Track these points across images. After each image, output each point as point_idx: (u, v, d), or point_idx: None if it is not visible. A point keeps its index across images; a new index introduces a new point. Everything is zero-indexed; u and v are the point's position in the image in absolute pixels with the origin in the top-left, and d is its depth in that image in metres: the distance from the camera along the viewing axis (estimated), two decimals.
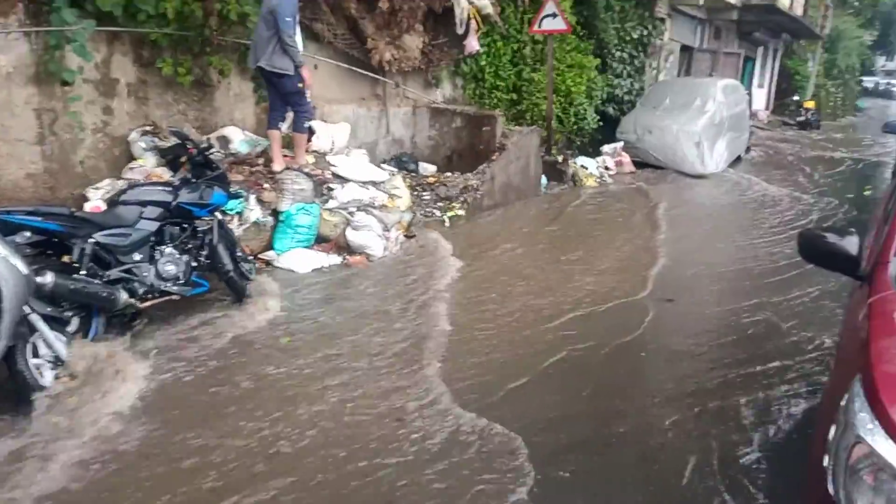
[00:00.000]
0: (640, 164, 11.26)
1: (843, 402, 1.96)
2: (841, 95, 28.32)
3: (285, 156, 6.29)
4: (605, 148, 11.21)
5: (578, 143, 11.34)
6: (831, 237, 2.62)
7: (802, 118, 21.03)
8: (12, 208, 3.66)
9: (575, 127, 10.96)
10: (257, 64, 5.83)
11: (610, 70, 12.28)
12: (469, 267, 5.88)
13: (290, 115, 6.37)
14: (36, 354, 3.31)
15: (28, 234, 3.50)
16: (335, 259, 5.85)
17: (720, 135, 11.60)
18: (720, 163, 11.59)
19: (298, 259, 5.67)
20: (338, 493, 2.84)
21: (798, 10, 20.20)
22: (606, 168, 10.67)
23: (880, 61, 50.12)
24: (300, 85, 5.88)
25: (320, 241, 6.01)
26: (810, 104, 21.74)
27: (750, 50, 21.06)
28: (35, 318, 3.29)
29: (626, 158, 11.10)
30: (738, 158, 12.80)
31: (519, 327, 4.64)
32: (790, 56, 25.06)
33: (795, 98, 23.18)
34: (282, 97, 6.03)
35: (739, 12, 17.41)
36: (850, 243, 2.56)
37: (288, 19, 5.57)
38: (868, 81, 42.04)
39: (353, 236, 6.00)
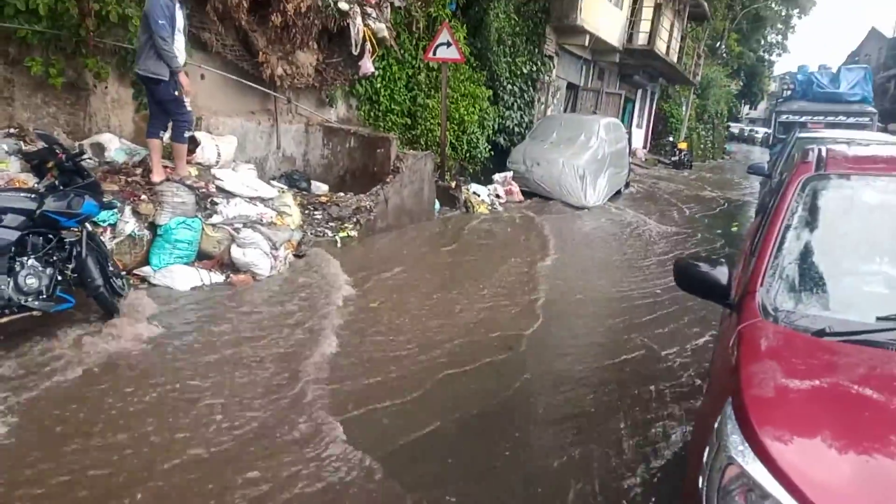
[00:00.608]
0: (528, 194, 11.64)
1: (716, 425, 2.05)
2: (711, 138, 30.74)
3: (165, 167, 5.96)
4: (497, 176, 11.51)
5: (471, 170, 11.58)
6: (704, 267, 2.76)
7: (676, 158, 22.60)
8: None
9: (468, 154, 11.18)
10: (138, 72, 5.55)
11: (501, 102, 12.66)
12: (359, 289, 5.78)
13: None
14: None
15: None
16: (218, 277, 5.58)
17: (602, 170, 12.20)
18: (601, 196, 12.17)
19: (177, 276, 5.37)
20: None
21: (673, 57, 21.82)
22: (497, 196, 10.94)
23: (745, 109, 55.10)
24: (176, 93, 5.57)
25: (202, 257, 5.73)
26: (683, 145, 23.44)
27: (630, 91, 22.46)
28: None
29: (515, 187, 11.43)
30: (618, 193, 13.52)
31: (405, 352, 4.59)
32: (666, 100, 26.96)
33: (670, 139, 24.95)
34: (158, 104, 5.70)
35: (621, 55, 18.57)
36: (721, 273, 2.71)
37: (161, 21, 5.29)
38: (734, 127, 46.19)
39: (238, 254, 5.75)
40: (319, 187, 8.21)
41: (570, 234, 9.44)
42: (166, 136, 5.99)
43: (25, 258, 3.94)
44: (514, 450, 3.48)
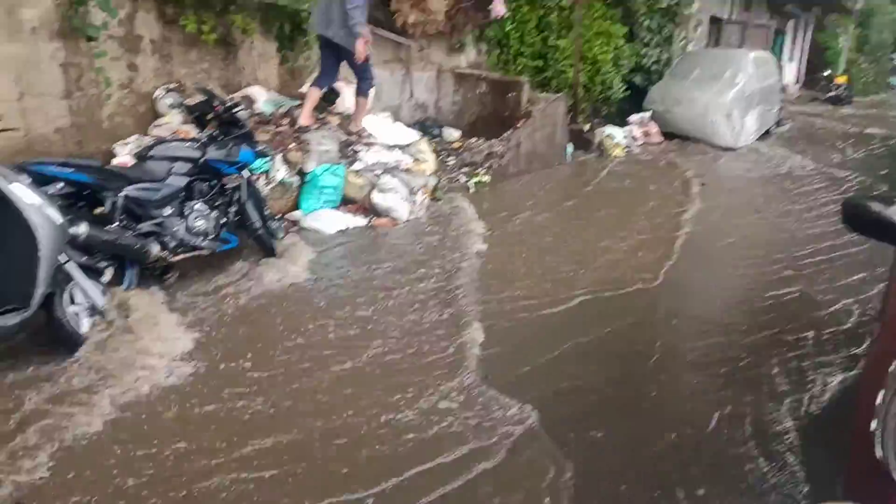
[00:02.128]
0: (667, 135, 11.08)
1: (891, 368, 1.92)
2: (873, 72, 27.61)
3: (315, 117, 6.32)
4: (633, 118, 11.03)
5: (605, 112, 11.18)
6: (876, 206, 2.54)
7: (833, 93, 20.53)
8: (45, 160, 3.65)
9: (602, 96, 10.79)
10: (324, 34, 6.03)
11: (638, 39, 12.03)
12: (494, 231, 5.83)
13: (341, 85, 6.61)
14: (73, 302, 3.33)
15: (61, 185, 3.50)
16: (361, 221, 5.83)
17: (750, 107, 11.37)
18: (749, 135, 11.38)
19: (325, 220, 5.65)
20: (358, 438, 2.88)
21: None
22: (634, 138, 10.51)
23: None
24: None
25: (346, 202, 5.99)
26: (842, 79, 21.22)
27: (781, 23, 20.55)
28: (71, 267, 3.30)
29: (653, 128, 10.93)
30: (768, 132, 12.56)
31: (545, 291, 4.60)
32: (822, 30, 24.42)
33: (827, 73, 22.63)
34: (336, 62, 6.22)
35: None
36: (895, 213, 2.49)
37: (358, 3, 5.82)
38: None
39: (379, 199, 5.96)
40: (451, 133, 8.27)
41: (714, 176, 8.92)
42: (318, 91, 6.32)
43: (193, 202, 4.31)
44: (660, 392, 3.42)
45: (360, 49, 5.97)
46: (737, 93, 11.05)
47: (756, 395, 3.39)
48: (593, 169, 8.75)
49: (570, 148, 9.12)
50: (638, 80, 12.10)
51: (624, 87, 11.14)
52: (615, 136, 10.11)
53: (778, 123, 13.32)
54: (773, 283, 4.95)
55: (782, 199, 7.74)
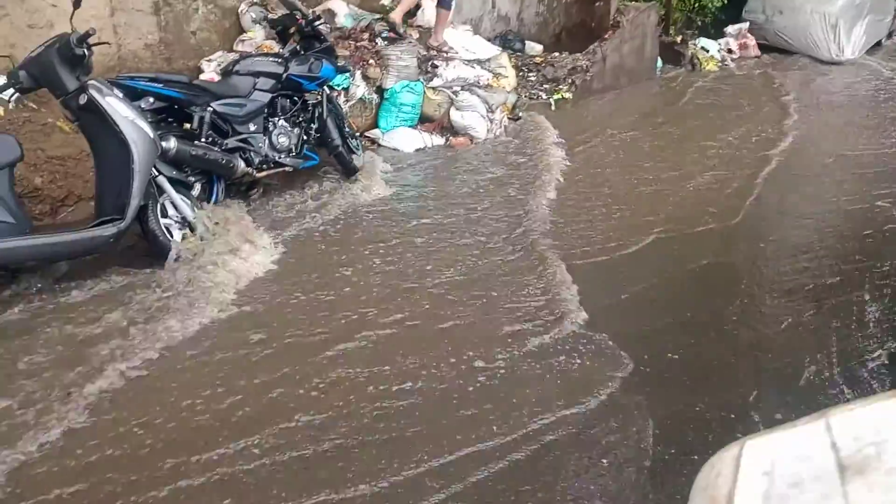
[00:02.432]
0: (766, 48, 10.27)
1: None
2: None
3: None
4: (729, 29, 10.26)
5: (699, 23, 10.44)
6: None
7: None
8: (136, 75, 3.78)
9: (696, 5, 10.07)
10: None
11: None
12: (576, 152, 5.67)
13: None
14: (164, 215, 3.50)
15: (151, 99, 3.61)
16: (438, 140, 5.79)
17: (860, 17, 10.33)
18: (857, 48, 10.40)
19: (403, 138, 5.64)
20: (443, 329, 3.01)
21: None
22: (729, 51, 9.80)
23: None
24: None
25: (424, 120, 5.93)
26: None
27: None
28: (162, 181, 3.46)
29: (751, 41, 10.15)
30: (879, 44, 11.44)
31: (629, 209, 4.50)
32: None
33: None
34: None
35: None
36: None
37: None
38: None
39: (456, 117, 5.88)
40: (534, 47, 7.96)
41: (816, 93, 8.29)
42: None
43: (276, 118, 4.38)
44: (742, 314, 3.34)
45: None
46: (845, 1, 10.06)
47: (844, 322, 3.26)
48: (684, 85, 8.27)
49: (659, 62, 8.63)
50: None
51: None
52: (709, 49, 9.47)
53: (889, 35, 12.10)
54: (874, 211, 4.64)
55: (890, 118, 7.13)
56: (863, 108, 7.85)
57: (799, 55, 10.08)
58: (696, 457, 2.30)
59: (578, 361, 2.89)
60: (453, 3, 6.24)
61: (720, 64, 9.32)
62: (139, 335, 2.91)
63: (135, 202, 3.18)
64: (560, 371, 2.84)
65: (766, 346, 3.12)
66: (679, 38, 9.15)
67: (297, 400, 2.60)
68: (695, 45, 9.41)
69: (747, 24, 10.39)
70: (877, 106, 7.87)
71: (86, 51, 3.15)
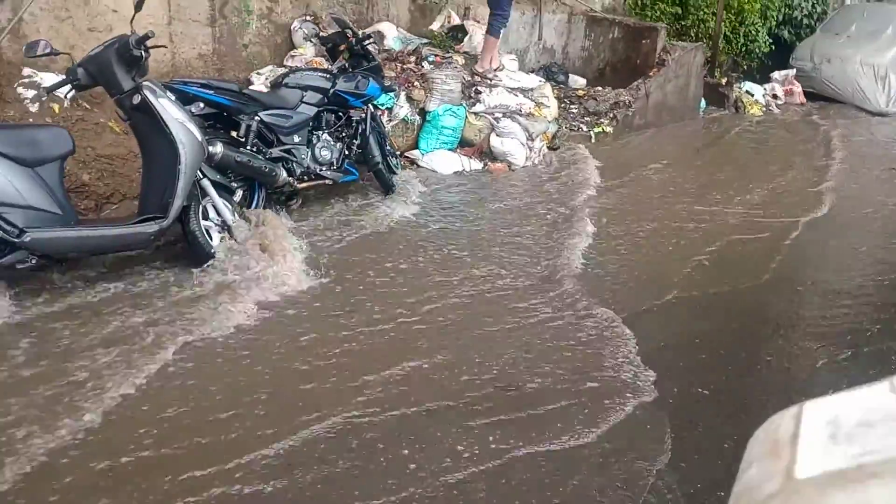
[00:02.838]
0: (812, 96, 10.19)
1: None
2: None
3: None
4: (776, 75, 10.20)
5: (745, 66, 10.41)
6: None
7: None
8: (188, 80, 3.88)
9: (743, 49, 10.03)
10: None
11: None
12: (612, 184, 5.65)
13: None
14: (206, 217, 3.56)
15: (202, 105, 3.70)
16: (476, 164, 5.81)
17: None
18: None
19: (442, 160, 5.68)
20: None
21: None
22: (774, 96, 9.74)
23: None
24: None
25: (464, 144, 5.97)
26: None
27: None
28: (206, 184, 3.52)
29: (797, 88, 10.06)
30: None
31: (662, 249, 4.44)
32: None
33: None
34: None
35: None
36: None
37: None
38: None
39: (496, 143, 5.91)
40: (577, 80, 7.99)
41: (860, 143, 8.14)
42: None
43: (320, 132, 4.45)
44: (777, 357, 3.25)
45: None
46: None
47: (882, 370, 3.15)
48: (726, 127, 8.21)
49: (702, 103, 8.59)
50: (786, 34, 11.13)
51: (769, 41, 10.29)
52: (754, 94, 9.42)
53: None
54: None
55: None
56: None
57: (845, 105, 9.96)
58: None
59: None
60: (501, 32, 6.30)
61: (764, 108, 9.26)
62: (167, 332, 2.94)
63: (178, 202, 3.24)
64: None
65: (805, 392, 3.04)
66: (724, 81, 9.11)
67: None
68: (739, 88, 9.37)
69: (794, 70, 10.33)
70: None
71: (143, 52, 3.24)
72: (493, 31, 6.24)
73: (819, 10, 11.62)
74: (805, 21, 11.38)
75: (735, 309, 3.75)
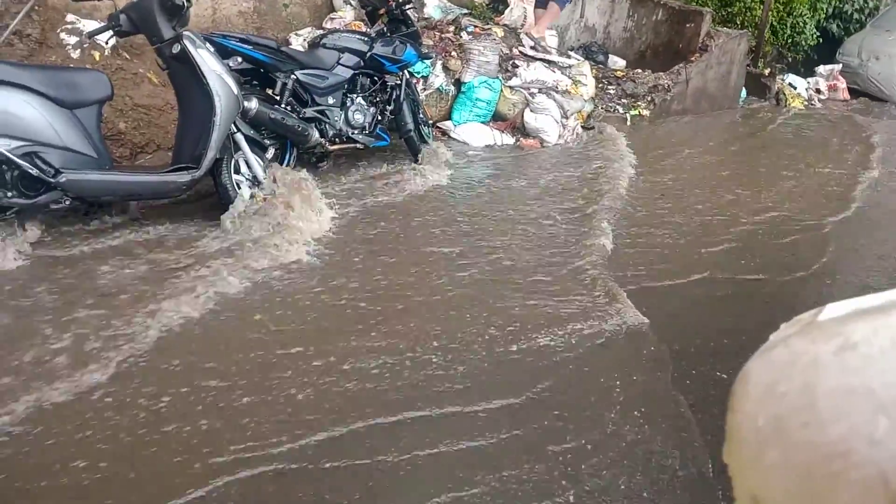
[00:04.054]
0: (856, 93, 9.93)
1: None
2: None
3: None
4: (821, 69, 9.95)
5: (790, 58, 10.16)
6: None
7: None
8: (228, 34, 3.88)
9: (790, 40, 9.78)
10: None
11: None
12: (646, 168, 5.56)
13: None
14: (237, 171, 3.59)
15: (239, 59, 3.71)
16: (508, 139, 5.77)
17: None
18: None
19: (473, 133, 5.65)
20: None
21: None
22: (818, 91, 9.51)
23: None
24: None
25: (497, 118, 5.93)
26: None
27: None
28: (239, 138, 3.54)
29: (841, 83, 9.82)
30: None
31: (691, 236, 4.37)
32: None
33: None
34: None
35: None
36: None
37: None
38: None
39: (530, 118, 5.85)
40: (616, 62, 7.87)
41: None
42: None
43: (355, 95, 4.44)
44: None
45: None
46: None
47: None
48: (766, 119, 8.04)
49: (743, 92, 8.42)
50: (834, 27, 10.83)
51: (817, 34, 10.02)
52: (797, 87, 9.20)
53: None
54: None
55: None
56: None
57: (891, 104, 9.70)
58: None
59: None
60: (568, 3, 6.24)
61: (806, 102, 9.04)
62: (191, 281, 2.99)
63: (211, 154, 3.26)
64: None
65: None
66: (767, 71, 8.91)
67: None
68: (783, 79, 9.16)
69: (840, 66, 10.06)
70: None
71: (185, 2, 3.25)
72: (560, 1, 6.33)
73: (871, 5, 11.26)
74: (855, 16, 11.05)
75: (758, 297, 3.70)
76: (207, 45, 3.39)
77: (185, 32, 3.32)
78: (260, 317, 2.86)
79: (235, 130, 3.51)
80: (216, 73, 3.26)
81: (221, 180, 3.45)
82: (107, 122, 3.93)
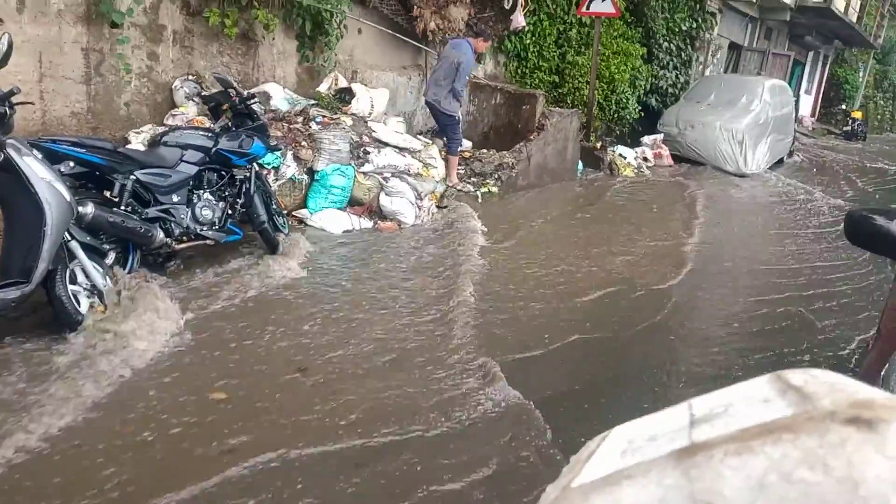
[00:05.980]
0: (679, 159, 11.13)
1: (882, 373, 1.95)
2: (890, 109, 27.59)
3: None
4: (645, 139, 11.08)
5: (618, 131, 11.22)
6: (880, 220, 2.52)
7: (849, 128, 20.56)
8: (58, 137, 3.68)
9: (615, 115, 10.83)
10: (430, 101, 7.00)
11: (656, 60, 12.09)
12: (498, 241, 5.85)
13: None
14: (74, 281, 3.35)
15: (72, 164, 3.53)
16: (366, 223, 5.86)
17: (763, 135, 11.41)
18: (761, 163, 11.40)
19: (331, 219, 5.69)
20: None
21: (853, 17, 19.66)
22: (645, 159, 10.54)
23: None
24: (457, 117, 7.01)
25: (353, 203, 6.02)
26: (858, 114, 21.25)
27: (800, 54, 20.59)
28: (74, 246, 3.33)
29: (665, 151, 10.96)
30: (780, 161, 12.58)
31: (543, 303, 4.60)
32: (840, 64, 24.45)
33: (843, 107, 22.66)
34: (441, 127, 7.16)
35: (792, 13, 17.01)
36: None
37: (466, 78, 6.93)
38: None
39: (386, 202, 6.00)
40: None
41: (723, 201, 8.93)
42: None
43: (202, 191, 4.34)
44: (653, 404, 3.41)
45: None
46: (751, 119, 11.09)
47: None
48: (602, 187, 8.77)
49: (580, 165, 9.14)
50: (653, 101, 12.16)
51: (638, 108, 11.19)
52: (626, 157, 10.15)
53: (790, 154, 13.33)
54: (775, 309, 4.95)
55: (789, 226, 7.74)
56: (764, 214, 8.53)
57: (709, 167, 10.91)
58: None
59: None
60: (458, 149, 7.12)
61: (636, 170, 9.97)
62: (30, 400, 2.72)
63: (42, 266, 3.04)
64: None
65: None
66: (599, 144, 9.76)
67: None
68: (613, 151, 10.06)
69: (662, 135, 11.25)
70: (777, 214, 8.56)
71: (7, 109, 3.08)
72: (451, 151, 7.04)
73: (682, 80, 12.79)
74: (670, 90, 12.49)
75: (615, 356, 3.94)
76: (34, 151, 3.21)
77: (9, 140, 3.13)
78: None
79: (69, 238, 3.30)
80: (45, 181, 3.08)
81: (56, 293, 3.20)
82: None
